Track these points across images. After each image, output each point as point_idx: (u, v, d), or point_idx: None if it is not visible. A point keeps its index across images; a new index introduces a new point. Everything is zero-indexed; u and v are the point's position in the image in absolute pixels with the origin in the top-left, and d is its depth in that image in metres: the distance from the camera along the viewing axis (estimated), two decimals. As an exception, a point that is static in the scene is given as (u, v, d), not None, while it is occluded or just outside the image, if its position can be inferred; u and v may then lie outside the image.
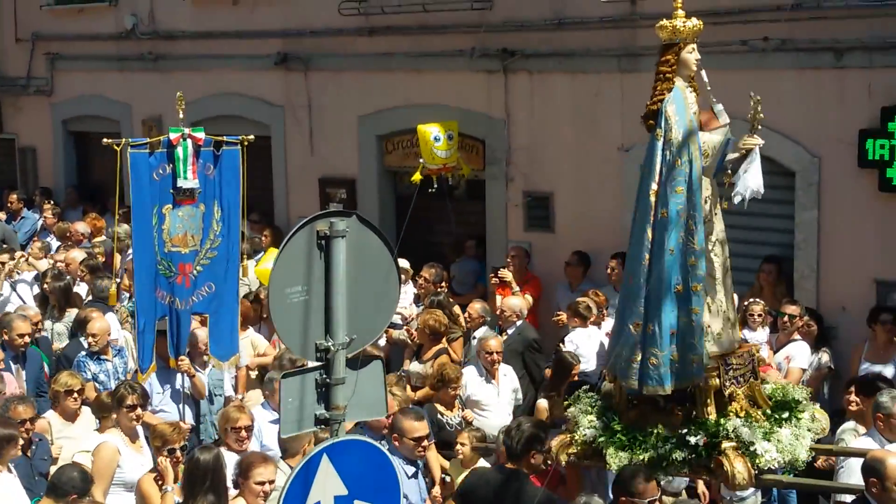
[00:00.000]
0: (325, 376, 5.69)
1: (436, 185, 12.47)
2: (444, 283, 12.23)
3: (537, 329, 11.59)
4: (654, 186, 7.00)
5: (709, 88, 7.07)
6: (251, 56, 15.39)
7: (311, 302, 5.64)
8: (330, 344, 5.65)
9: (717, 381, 7.04)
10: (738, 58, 11.32)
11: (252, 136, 10.05)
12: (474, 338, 10.94)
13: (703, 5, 11.26)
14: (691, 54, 7.06)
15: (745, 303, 10.21)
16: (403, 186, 14.61)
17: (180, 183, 9.62)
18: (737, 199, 7.34)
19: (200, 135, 9.73)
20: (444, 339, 10.59)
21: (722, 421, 6.96)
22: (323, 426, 5.76)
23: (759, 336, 9.96)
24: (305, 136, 15.09)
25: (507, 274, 11.75)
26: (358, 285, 5.72)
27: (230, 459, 7.79)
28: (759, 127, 7.11)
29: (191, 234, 9.75)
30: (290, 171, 15.38)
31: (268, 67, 15.24)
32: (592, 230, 12.62)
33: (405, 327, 11.33)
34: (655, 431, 7.00)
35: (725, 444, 6.85)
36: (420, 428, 7.81)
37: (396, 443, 7.81)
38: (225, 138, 9.97)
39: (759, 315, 10.04)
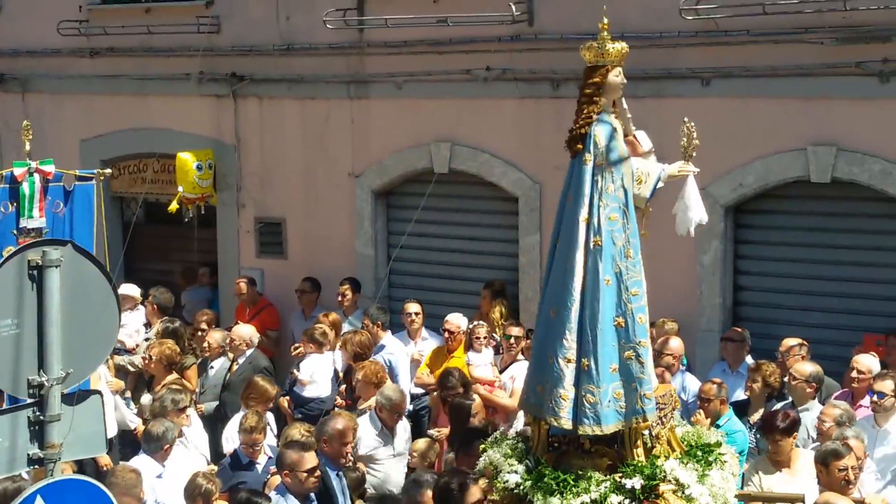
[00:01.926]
0: (38, 413, 5.44)
1: (192, 214, 12.31)
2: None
3: (272, 356, 11.49)
4: (584, 214, 6.53)
5: (629, 115, 6.81)
6: (-35, 76, 14.63)
7: (22, 335, 5.41)
8: (44, 379, 5.43)
9: (649, 421, 6.58)
10: (462, 86, 11.66)
11: (109, 171, 9.40)
12: (211, 367, 10.75)
13: (429, 35, 11.63)
14: (618, 78, 6.68)
15: (471, 325, 10.46)
16: (130, 213, 14.21)
17: (24, 222, 8.93)
18: (683, 230, 6.95)
19: (50, 168, 9.03)
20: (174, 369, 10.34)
21: (658, 463, 6.54)
22: (37, 465, 5.49)
23: (484, 357, 10.22)
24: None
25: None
26: (74, 316, 5.53)
27: None
28: (693, 154, 6.85)
29: None
30: (8, 197, 14.65)
31: (-17, 88, 14.54)
32: (325, 255, 12.67)
33: (140, 356, 10.97)
34: (588, 475, 6.47)
35: (663, 487, 6.42)
36: (310, 459, 7.42)
37: (288, 479, 7.37)
38: (78, 172, 9.32)
39: (484, 337, 10.32)
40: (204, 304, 13.34)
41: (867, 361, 8.97)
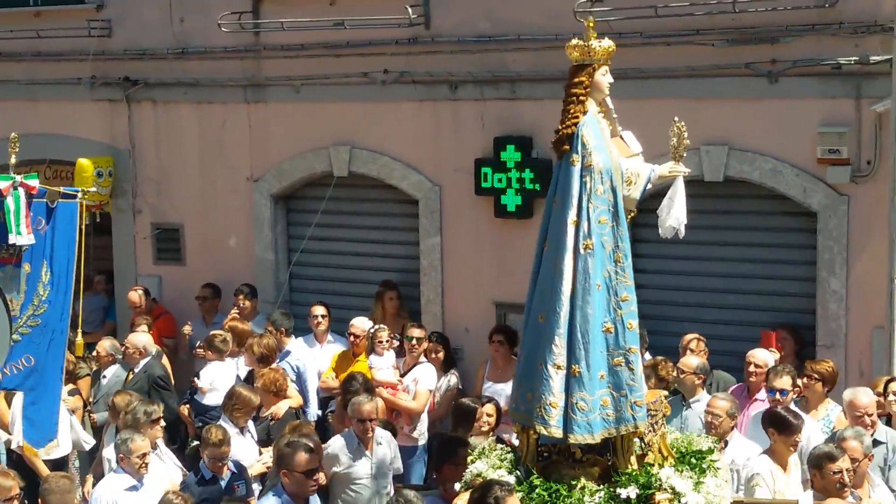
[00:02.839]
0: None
1: (87, 222, 12.01)
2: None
3: (172, 365, 11.31)
4: (573, 216, 6.34)
5: (615, 115, 6.66)
6: None
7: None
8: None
9: (640, 429, 6.41)
10: (360, 89, 11.63)
11: (94, 189, 8.92)
12: (104, 377, 10.54)
13: (326, 38, 11.58)
14: (605, 77, 6.51)
15: (372, 329, 10.44)
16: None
17: (13, 238, 8.44)
18: (668, 233, 6.78)
19: (34, 182, 8.59)
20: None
21: (653, 471, 6.38)
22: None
23: (386, 361, 10.20)
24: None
25: None
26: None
27: None
28: (683, 154, 6.73)
29: (10, 297, 8.55)
30: None
31: None
32: (224, 261, 12.53)
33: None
34: (581, 485, 6.29)
35: (659, 497, 6.26)
36: (311, 460, 6.97)
37: (286, 479, 6.99)
38: (62, 189, 8.90)
39: (386, 340, 10.30)
40: (100, 312, 13.13)
41: (763, 356, 9.18)
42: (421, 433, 9.97)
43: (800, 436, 7.81)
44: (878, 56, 9.26)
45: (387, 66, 11.44)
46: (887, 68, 9.02)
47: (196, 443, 10.35)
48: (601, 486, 6.31)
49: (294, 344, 10.85)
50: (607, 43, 6.50)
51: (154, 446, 8.44)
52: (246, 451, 8.91)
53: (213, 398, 10.17)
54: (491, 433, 8.33)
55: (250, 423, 9.17)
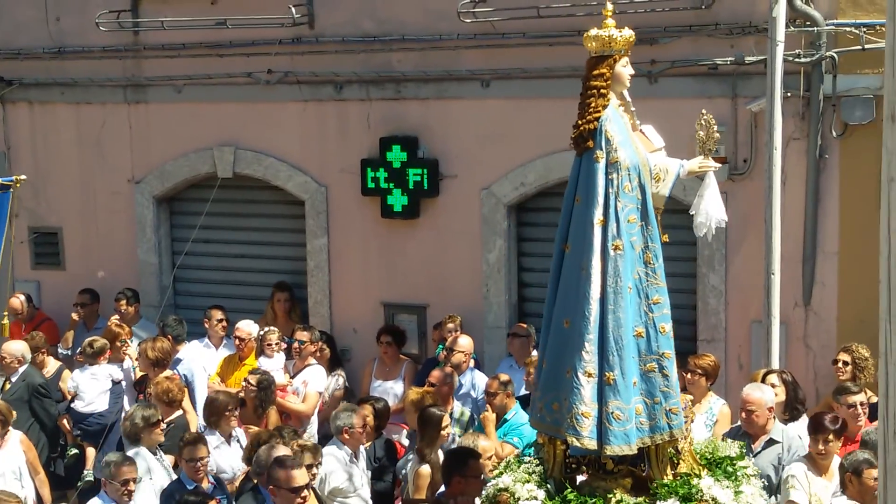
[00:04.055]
0: None
1: None
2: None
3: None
4: (600, 216, 5.99)
5: (633, 109, 6.32)
6: None
7: None
8: None
9: (677, 437, 6.14)
10: (244, 89, 11.51)
11: (24, 176, 8.59)
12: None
13: (208, 37, 11.43)
14: (626, 68, 6.16)
15: (261, 332, 10.33)
16: None
17: None
18: (702, 231, 6.50)
19: None
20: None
21: (693, 482, 6.08)
22: None
23: (276, 363, 10.12)
24: None
25: None
26: None
27: None
28: (713, 148, 6.42)
29: None
30: None
31: None
32: (106, 265, 12.30)
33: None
34: (618, 498, 5.98)
35: None
36: (298, 477, 6.72)
37: (275, 497, 6.74)
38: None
39: (276, 343, 10.21)
40: (-25, 319, 12.71)
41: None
42: (311, 435, 9.90)
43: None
44: (753, 56, 9.51)
45: (271, 65, 11.33)
46: (762, 68, 9.27)
47: (75, 451, 10.14)
48: (639, 499, 6.02)
49: (188, 350, 10.66)
50: (628, 32, 6.20)
51: (154, 452, 8.19)
52: (234, 460, 8.54)
53: (90, 406, 9.95)
54: (371, 434, 8.28)
55: (238, 431, 8.83)
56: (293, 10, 11.01)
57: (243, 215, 11.99)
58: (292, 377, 10.14)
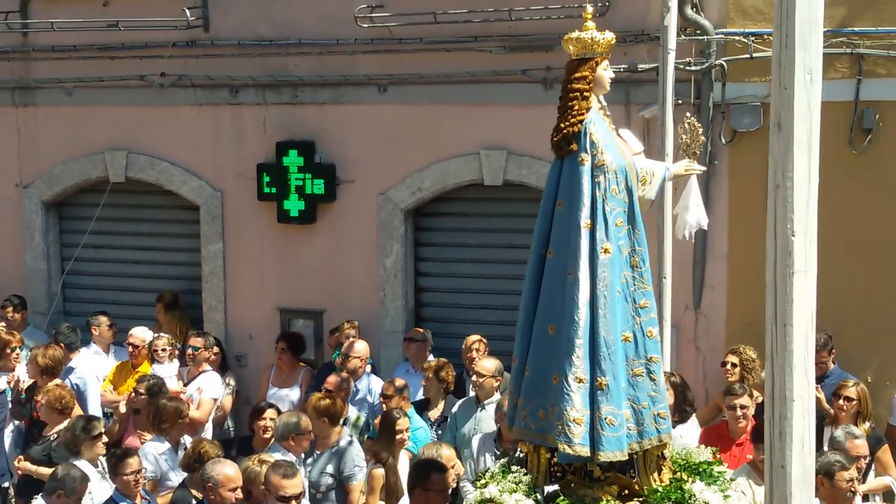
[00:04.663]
0: None
1: None
2: None
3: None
4: (587, 219, 5.90)
5: (609, 113, 6.27)
6: None
7: None
8: None
9: (664, 441, 6.09)
10: (137, 93, 11.34)
11: None
12: None
13: (99, 39, 11.24)
14: (606, 71, 6.12)
15: (152, 338, 10.18)
16: None
17: None
18: (685, 234, 6.53)
19: None
20: None
21: (686, 486, 6.00)
22: None
23: (169, 370, 9.97)
24: None
25: None
26: None
27: None
28: (698, 152, 6.46)
29: None
30: None
31: None
32: (-7, 272, 12.00)
33: None
34: None
35: None
36: (290, 485, 6.55)
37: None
38: None
39: (164, 349, 10.07)
40: None
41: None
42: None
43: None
44: (646, 64, 9.67)
45: (164, 69, 11.17)
46: (654, 76, 9.42)
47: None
48: None
49: (80, 358, 10.41)
50: (609, 35, 6.17)
51: (95, 464, 7.92)
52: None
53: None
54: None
55: (186, 439, 8.55)
56: (188, 12, 10.88)
57: (136, 220, 11.80)
58: (186, 384, 10.01)
